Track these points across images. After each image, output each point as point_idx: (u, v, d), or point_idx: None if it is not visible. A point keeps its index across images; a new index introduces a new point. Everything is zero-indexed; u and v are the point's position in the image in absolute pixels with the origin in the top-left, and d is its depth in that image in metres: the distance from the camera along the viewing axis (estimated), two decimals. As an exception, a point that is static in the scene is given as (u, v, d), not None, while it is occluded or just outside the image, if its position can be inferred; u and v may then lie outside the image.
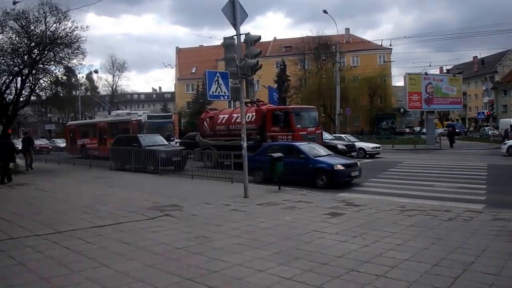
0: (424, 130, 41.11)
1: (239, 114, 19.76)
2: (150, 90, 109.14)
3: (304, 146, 13.92)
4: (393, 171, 16.83)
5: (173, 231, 7.22)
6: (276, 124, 17.72)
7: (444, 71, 79.76)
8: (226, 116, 19.86)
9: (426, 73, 36.97)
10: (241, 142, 11.14)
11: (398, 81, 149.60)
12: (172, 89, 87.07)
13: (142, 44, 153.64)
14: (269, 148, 14.36)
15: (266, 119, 18.10)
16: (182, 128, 28.54)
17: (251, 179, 13.20)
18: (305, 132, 17.72)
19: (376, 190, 12.24)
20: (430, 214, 8.38)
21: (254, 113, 18.50)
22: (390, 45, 52.30)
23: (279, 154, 12.72)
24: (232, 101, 22.17)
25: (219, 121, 20.13)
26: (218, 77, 10.30)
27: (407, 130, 62.12)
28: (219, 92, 10.34)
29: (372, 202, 10.05)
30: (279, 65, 55.37)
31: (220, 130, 19.90)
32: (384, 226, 7.40)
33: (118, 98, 70.39)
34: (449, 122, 71.00)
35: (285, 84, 53.71)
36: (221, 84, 10.33)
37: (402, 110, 53.40)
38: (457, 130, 46.71)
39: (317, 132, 18.91)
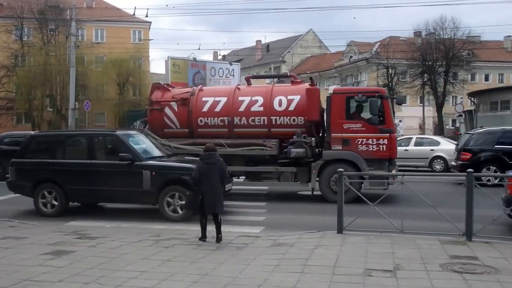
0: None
1: (258, 97, 14.88)
2: None
3: None
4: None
5: None
6: (357, 117, 14.20)
7: (220, 57, 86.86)
8: (224, 100, 15.22)
9: (194, 59, 39.26)
10: None
11: (159, 67, 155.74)
12: None
13: None
14: None
15: (331, 109, 14.29)
16: None
17: None
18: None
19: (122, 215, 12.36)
20: (194, 243, 8.85)
21: (298, 97, 14.53)
22: (147, 16, 53.90)
23: None
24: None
25: (205, 108, 15.35)
26: None
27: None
28: None
29: (116, 231, 10.07)
30: (-21, 32, 50.24)
31: (209, 126, 15.31)
32: (130, 264, 7.48)
33: None
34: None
35: (-10, 62, 49.11)
36: None
37: (162, 106, 55.68)
38: None
39: None
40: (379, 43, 65.60)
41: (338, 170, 9.54)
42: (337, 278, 6.58)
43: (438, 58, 51.43)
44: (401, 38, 62.02)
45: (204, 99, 15.38)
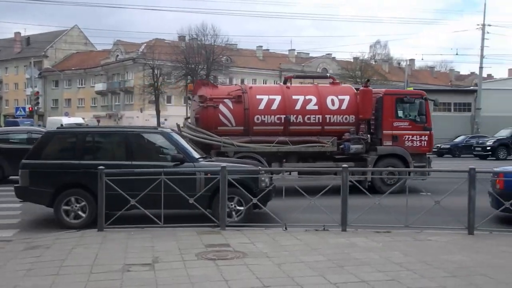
0: None
1: (311, 97, 15.28)
2: None
3: None
4: None
5: None
6: (405, 116, 15.89)
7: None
8: (278, 98, 15.33)
9: None
10: None
11: None
12: None
13: None
14: None
15: (383, 109, 15.66)
16: None
17: None
18: None
19: None
20: None
21: (348, 97, 15.55)
22: None
23: None
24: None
25: (261, 105, 15.22)
26: None
27: None
28: None
29: None
30: None
31: (265, 124, 15.23)
32: None
33: None
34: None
35: None
36: None
37: None
38: None
39: None
40: (145, 44, 65.84)
41: (99, 167, 9.17)
42: (95, 277, 6.30)
43: (200, 62, 53.75)
44: (166, 41, 63.19)
45: (258, 97, 15.39)
